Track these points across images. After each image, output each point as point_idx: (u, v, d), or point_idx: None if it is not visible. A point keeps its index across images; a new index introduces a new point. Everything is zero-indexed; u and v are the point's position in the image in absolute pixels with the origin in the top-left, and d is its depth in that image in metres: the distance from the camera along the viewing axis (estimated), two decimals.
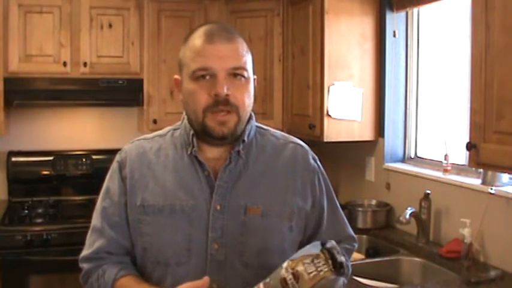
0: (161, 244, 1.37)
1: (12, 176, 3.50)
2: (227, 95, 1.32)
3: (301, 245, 1.48)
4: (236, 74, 1.34)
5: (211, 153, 1.41)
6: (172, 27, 3.43)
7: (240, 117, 1.35)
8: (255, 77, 1.42)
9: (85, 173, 3.61)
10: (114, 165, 1.47)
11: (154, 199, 1.38)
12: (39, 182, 3.57)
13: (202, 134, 1.37)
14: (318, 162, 1.52)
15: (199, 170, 1.39)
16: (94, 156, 3.63)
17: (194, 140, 1.39)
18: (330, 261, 1.16)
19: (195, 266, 1.35)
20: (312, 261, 1.16)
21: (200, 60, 1.33)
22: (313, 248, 1.19)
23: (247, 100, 1.37)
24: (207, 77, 1.33)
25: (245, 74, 1.36)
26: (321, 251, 1.17)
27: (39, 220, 3.11)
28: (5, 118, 3.25)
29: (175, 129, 1.48)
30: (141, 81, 3.43)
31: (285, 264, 1.19)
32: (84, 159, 3.62)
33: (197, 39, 1.35)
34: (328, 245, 1.18)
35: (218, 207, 1.36)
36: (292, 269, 1.17)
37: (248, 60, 1.38)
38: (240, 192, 1.38)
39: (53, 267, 2.96)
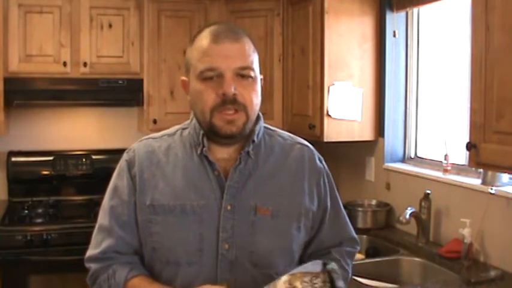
0: (172, 244, 1.36)
1: (12, 176, 3.50)
2: (234, 94, 1.32)
3: (307, 245, 1.49)
4: (243, 73, 1.34)
5: (221, 154, 1.41)
6: (172, 27, 3.44)
7: (248, 116, 1.36)
8: (262, 76, 1.42)
9: (85, 173, 3.61)
10: (122, 164, 1.46)
11: (165, 199, 1.38)
12: (39, 182, 3.56)
13: (210, 133, 1.37)
14: (324, 163, 1.53)
15: (210, 170, 1.39)
16: (94, 156, 3.63)
17: (204, 140, 1.39)
18: (328, 285, 1.16)
19: (206, 266, 1.35)
20: (311, 280, 1.17)
21: (207, 61, 1.33)
22: (314, 266, 1.19)
23: (255, 99, 1.37)
24: (214, 77, 1.32)
25: (252, 73, 1.36)
26: (322, 271, 1.17)
27: (39, 220, 3.11)
28: (5, 118, 3.24)
29: (184, 129, 1.48)
30: (141, 81, 3.43)
31: (284, 278, 1.19)
32: (84, 159, 3.62)
33: (203, 39, 1.35)
34: (329, 267, 1.18)
35: (229, 207, 1.36)
36: (290, 284, 1.17)
37: (255, 59, 1.38)
38: (250, 192, 1.38)
39: (53, 267, 2.96)
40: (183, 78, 1.43)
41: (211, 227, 1.35)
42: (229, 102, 1.32)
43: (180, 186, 1.38)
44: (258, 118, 1.44)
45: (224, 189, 1.37)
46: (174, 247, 1.36)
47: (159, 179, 1.40)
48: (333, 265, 1.19)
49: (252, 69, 1.36)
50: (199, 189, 1.38)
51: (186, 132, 1.46)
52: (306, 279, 1.17)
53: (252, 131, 1.41)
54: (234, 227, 1.35)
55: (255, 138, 1.41)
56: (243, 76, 1.34)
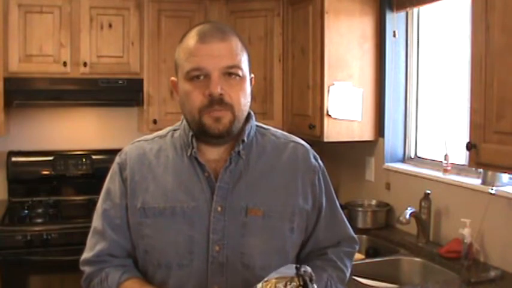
0: (163, 246, 1.36)
1: (12, 176, 3.50)
2: (221, 94, 1.30)
3: (303, 245, 1.48)
4: (230, 72, 1.32)
5: (211, 155, 1.40)
6: (172, 27, 3.43)
7: (235, 116, 1.34)
8: (252, 75, 1.41)
9: (85, 173, 3.61)
10: (114, 167, 1.46)
11: (155, 201, 1.37)
12: (39, 182, 3.57)
13: (199, 133, 1.36)
14: (319, 161, 1.51)
15: (200, 172, 1.38)
16: (94, 156, 3.63)
17: (194, 141, 1.38)
18: None
19: (196, 268, 1.34)
20: (285, 285, 1.17)
21: (193, 61, 1.32)
22: (288, 270, 1.19)
23: (243, 99, 1.35)
24: (201, 77, 1.31)
25: (240, 72, 1.34)
26: (296, 275, 1.17)
27: (39, 220, 3.11)
28: (5, 118, 3.24)
29: (175, 130, 1.47)
30: (141, 81, 3.43)
31: (259, 285, 1.19)
32: (84, 159, 3.62)
33: (190, 39, 1.34)
34: (302, 271, 1.18)
35: (219, 209, 1.35)
36: None
37: (243, 58, 1.36)
38: (241, 193, 1.37)
39: (53, 267, 2.96)
40: (173, 78, 1.43)
41: (201, 228, 1.34)
42: (216, 102, 1.31)
43: (171, 188, 1.38)
44: (249, 117, 1.42)
45: (214, 191, 1.36)
46: (164, 249, 1.36)
47: (150, 182, 1.39)
48: (306, 268, 1.19)
49: (240, 68, 1.34)
50: (189, 191, 1.37)
51: (177, 133, 1.45)
52: (280, 284, 1.17)
53: (242, 130, 1.39)
54: (225, 228, 1.34)
55: (245, 138, 1.39)
56: (230, 75, 1.33)
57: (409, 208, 2.62)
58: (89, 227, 1.47)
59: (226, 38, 1.34)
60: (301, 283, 1.16)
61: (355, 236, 1.57)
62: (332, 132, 3.03)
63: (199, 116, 1.33)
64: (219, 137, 1.35)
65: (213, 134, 1.34)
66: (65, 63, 3.28)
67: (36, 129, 3.65)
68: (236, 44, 1.35)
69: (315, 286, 1.17)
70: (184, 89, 1.35)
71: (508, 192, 2.28)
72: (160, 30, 3.44)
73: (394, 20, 3.06)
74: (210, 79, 1.31)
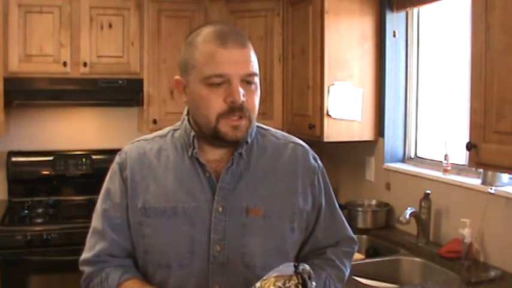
0: (163, 246, 1.36)
1: (12, 176, 3.50)
2: (242, 101, 1.30)
3: (302, 245, 1.49)
4: (249, 80, 1.32)
5: (213, 155, 1.40)
6: (172, 27, 3.44)
7: (251, 122, 1.35)
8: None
9: (85, 173, 3.61)
10: (114, 167, 1.45)
11: (156, 201, 1.37)
12: (39, 182, 3.57)
13: (213, 138, 1.35)
14: (319, 161, 1.51)
15: (201, 172, 1.38)
16: (94, 156, 3.64)
17: (195, 141, 1.38)
18: (300, 287, 1.17)
19: (197, 268, 1.34)
20: (284, 283, 1.17)
21: (215, 66, 1.29)
22: (286, 268, 1.19)
23: (257, 105, 1.37)
24: (221, 83, 1.30)
25: (256, 79, 1.34)
26: (295, 273, 1.18)
27: (39, 220, 3.12)
28: (5, 118, 3.25)
29: (175, 130, 1.46)
30: (141, 81, 3.43)
31: (258, 284, 1.19)
32: (84, 159, 3.62)
33: (209, 42, 1.31)
34: (301, 269, 1.18)
35: (220, 209, 1.35)
36: None
37: (256, 65, 1.36)
38: (242, 193, 1.37)
39: (53, 267, 2.96)
40: (177, 77, 1.40)
41: (202, 229, 1.34)
42: (237, 109, 1.30)
43: (171, 188, 1.37)
44: None
45: (215, 191, 1.36)
46: (165, 250, 1.35)
47: (151, 181, 1.39)
48: (304, 266, 1.19)
49: (257, 76, 1.35)
50: (190, 191, 1.37)
51: (177, 133, 1.45)
52: (279, 283, 1.17)
53: None
54: (226, 228, 1.34)
55: (248, 139, 1.40)
56: (248, 82, 1.32)
57: (409, 208, 2.62)
58: (89, 227, 1.46)
59: (245, 44, 1.33)
60: (300, 281, 1.17)
61: (354, 236, 1.57)
62: (332, 132, 3.03)
63: (216, 121, 1.32)
64: (235, 143, 1.36)
65: (230, 140, 1.33)
66: (65, 63, 3.28)
67: (36, 129, 3.65)
68: (252, 50, 1.35)
69: (314, 284, 1.18)
70: (199, 93, 1.33)
71: (508, 192, 2.28)
72: (160, 30, 3.44)
73: (394, 20, 3.06)
74: (231, 86, 1.30)
